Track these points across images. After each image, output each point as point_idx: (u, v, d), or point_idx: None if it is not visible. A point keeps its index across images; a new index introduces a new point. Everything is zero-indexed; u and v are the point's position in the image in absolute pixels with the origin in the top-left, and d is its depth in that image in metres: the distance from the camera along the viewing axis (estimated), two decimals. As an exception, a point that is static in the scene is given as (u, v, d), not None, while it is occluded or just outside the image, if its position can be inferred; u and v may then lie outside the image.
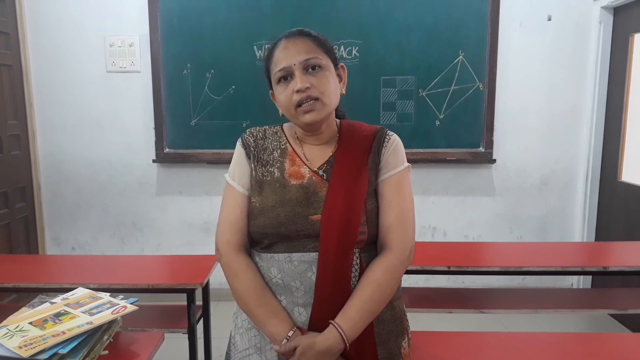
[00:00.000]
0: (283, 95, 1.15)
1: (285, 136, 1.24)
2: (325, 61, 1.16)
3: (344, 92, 1.22)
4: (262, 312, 1.13)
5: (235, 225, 1.19)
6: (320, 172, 1.17)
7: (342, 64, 1.23)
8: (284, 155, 1.21)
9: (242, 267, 1.16)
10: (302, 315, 1.13)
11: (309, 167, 1.18)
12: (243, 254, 1.19)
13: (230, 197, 1.21)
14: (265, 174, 1.19)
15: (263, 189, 1.17)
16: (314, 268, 1.12)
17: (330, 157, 1.20)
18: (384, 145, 1.20)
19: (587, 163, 3.30)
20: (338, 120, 1.26)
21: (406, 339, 1.24)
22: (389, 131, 1.24)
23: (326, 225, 1.11)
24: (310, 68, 1.13)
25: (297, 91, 1.11)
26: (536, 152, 3.34)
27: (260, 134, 1.25)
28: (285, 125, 1.27)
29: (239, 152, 1.24)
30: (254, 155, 1.21)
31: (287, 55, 1.13)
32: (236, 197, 1.20)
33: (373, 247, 1.19)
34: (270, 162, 1.20)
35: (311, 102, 1.12)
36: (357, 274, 1.14)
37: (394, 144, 1.21)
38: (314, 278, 1.12)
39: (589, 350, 1.49)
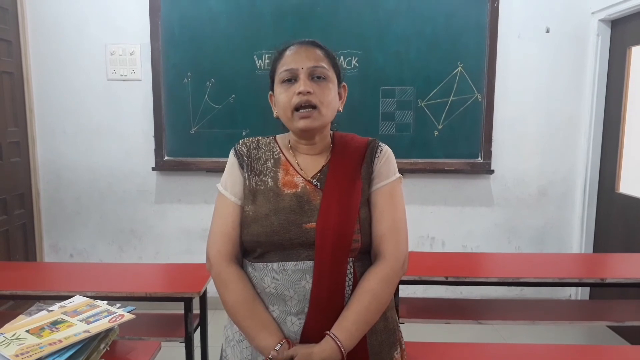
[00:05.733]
0: (283, 95, 1.16)
1: (279, 146, 1.25)
2: (331, 74, 1.18)
3: (341, 109, 1.24)
4: (250, 324, 1.12)
5: (227, 235, 1.18)
6: (314, 182, 1.18)
7: (344, 83, 1.25)
8: (278, 165, 1.21)
9: (232, 278, 1.16)
10: (295, 324, 1.13)
11: (302, 177, 1.19)
12: (234, 264, 1.18)
13: (222, 207, 1.21)
14: (259, 183, 1.19)
15: (256, 198, 1.17)
16: (308, 277, 1.12)
17: (323, 167, 1.21)
18: (377, 155, 1.22)
19: (585, 174, 3.31)
20: (332, 132, 1.27)
21: (399, 350, 1.23)
22: (380, 142, 1.26)
23: (321, 233, 1.11)
24: (315, 77, 1.15)
25: (299, 93, 1.13)
26: (534, 163, 3.35)
27: (254, 144, 1.26)
28: (279, 136, 1.29)
29: (231, 162, 1.24)
30: (247, 165, 1.22)
31: (297, 59, 1.16)
32: (228, 207, 1.20)
33: (366, 256, 1.19)
34: (264, 172, 1.21)
35: (309, 109, 1.14)
36: (351, 283, 1.14)
37: (386, 155, 1.23)
38: (308, 287, 1.11)
39: (586, 363, 1.49)
